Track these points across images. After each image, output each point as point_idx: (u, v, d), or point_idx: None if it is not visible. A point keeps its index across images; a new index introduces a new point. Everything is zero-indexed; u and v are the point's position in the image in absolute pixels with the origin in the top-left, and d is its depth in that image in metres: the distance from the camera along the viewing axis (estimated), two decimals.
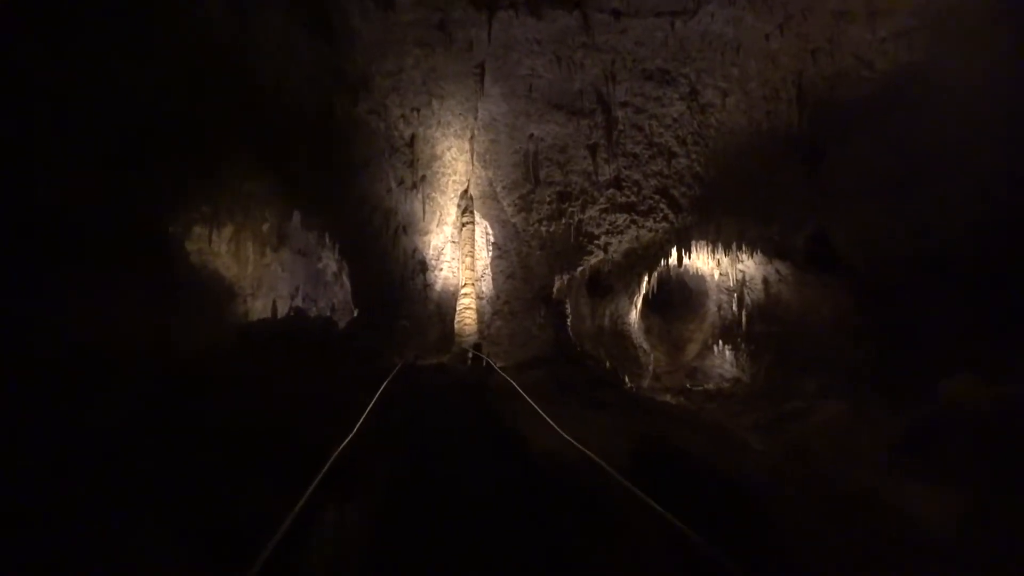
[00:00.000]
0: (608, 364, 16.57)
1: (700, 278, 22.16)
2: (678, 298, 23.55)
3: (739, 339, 20.15)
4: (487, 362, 13.72)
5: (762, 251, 19.09)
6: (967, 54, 15.18)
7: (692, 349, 21.50)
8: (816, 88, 16.90)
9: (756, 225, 18.48)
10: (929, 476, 9.53)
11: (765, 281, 20.38)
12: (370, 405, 7.57)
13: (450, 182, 18.94)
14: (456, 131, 17.78)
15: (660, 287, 21.32)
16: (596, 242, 17.26)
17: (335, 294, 30.28)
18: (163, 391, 7.46)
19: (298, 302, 29.86)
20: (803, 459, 11.17)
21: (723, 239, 18.63)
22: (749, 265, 20.26)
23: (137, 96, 17.51)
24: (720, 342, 20.43)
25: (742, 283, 20.99)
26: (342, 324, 26.98)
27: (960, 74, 15.16)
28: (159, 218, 16.99)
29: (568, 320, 17.42)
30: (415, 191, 19.10)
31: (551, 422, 7.41)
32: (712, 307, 21.83)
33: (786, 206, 18.23)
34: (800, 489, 9.04)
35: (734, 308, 20.98)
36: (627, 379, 16.26)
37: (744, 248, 18.69)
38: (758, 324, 20.53)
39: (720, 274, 21.23)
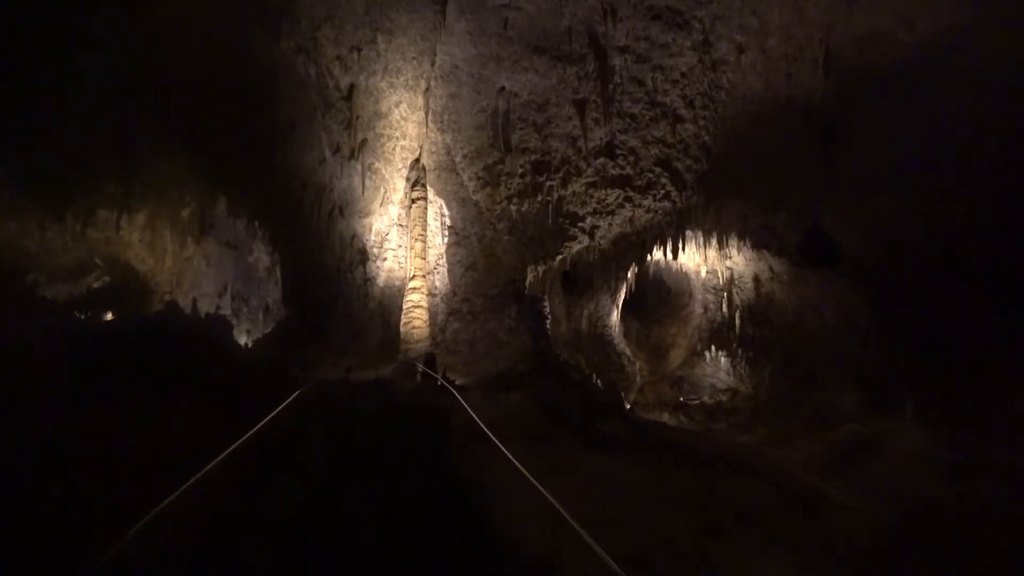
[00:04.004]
0: (595, 378, 11.87)
1: (683, 276, 18.01)
2: (654, 298, 19.30)
3: (734, 344, 15.98)
4: (443, 381, 8.75)
5: (762, 243, 15.13)
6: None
7: (676, 356, 17.22)
8: (844, 50, 13.04)
9: (762, 211, 14.37)
10: None
11: (756, 279, 16.51)
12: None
13: (397, 148, 13.91)
14: (407, 81, 12.80)
15: (636, 285, 17.05)
16: (580, 224, 12.64)
17: (269, 292, 24.67)
18: None
19: (224, 300, 24.25)
20: (940, 529, 6.84)
21: (721, 227, 14.36)
22: (738, 261, 16.34)
23: None
24: (712, 348, 16.21)
25: (731, 281, 16.91)
26: (260, 326, 21.59)
27: (1010, 42, 11.47)
28: None
29: (547, 322, 12.60)
30: (354, 161, 14.01)
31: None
32: (697, 308, 17.68)
33: (796, 192, 14.27)
34: None
35: (723, 309, 16.88)
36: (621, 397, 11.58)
37: (747, 238, 14.50)
38: (750, 327, 16.51)
39: (707, 271, 17.09)
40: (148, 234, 21.86)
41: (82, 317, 18.37)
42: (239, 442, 4.57)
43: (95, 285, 23.01)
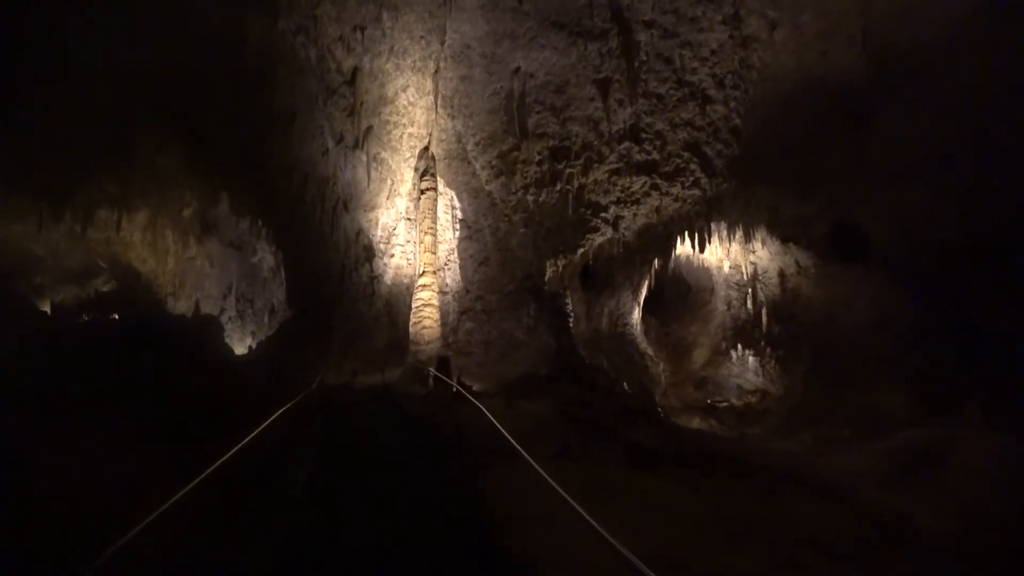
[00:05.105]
0: (618, 380, 10.62)
1: (703, 271, 16.76)
2: (672, 295, 18.05)
3: (761, 343, 14.72)
4: (458, 388, 7.54)
5: (790, 236, 13.96)
6: None
7: (699, 355, 15.97)
8: (883, 26, 11.77)
9: (794, 201, 13.17)
10: None
11: (781, 274, 15.28)
12: None
13: (405, 136, 12.75)
14: (415, 62, 11.64)
15: (654, 281, 15.84)
16: (603, 215, 11.47)
17: (274, 293, 23.53)
18: None
19: (228, 302, 23.16)
20: None
21: (749, 218, 13.14)
22: (763, 256, 15.12)
23: None
24: (739, 346, 14.94)
25: (755, 276, 15.67)
26: (265, 329, 20.49)
27: None
28: None
29: (570, 321, 11.35)
30: (358, 151, 12.87)
31: None
32: (719, 305, 16.44)
33: (828, 180, 13.09)
34: None
35: (748, 306, 15.62)
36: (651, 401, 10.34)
37: (776, 230, 13.30)
38: (777, 324, 15.27)
39: (730, 266, 15.84)
40: (149, 234, 20.86)
41: (86, 319, 17.34)
42: (205, 473, 3.41)
43: (104, 288, 22.08)
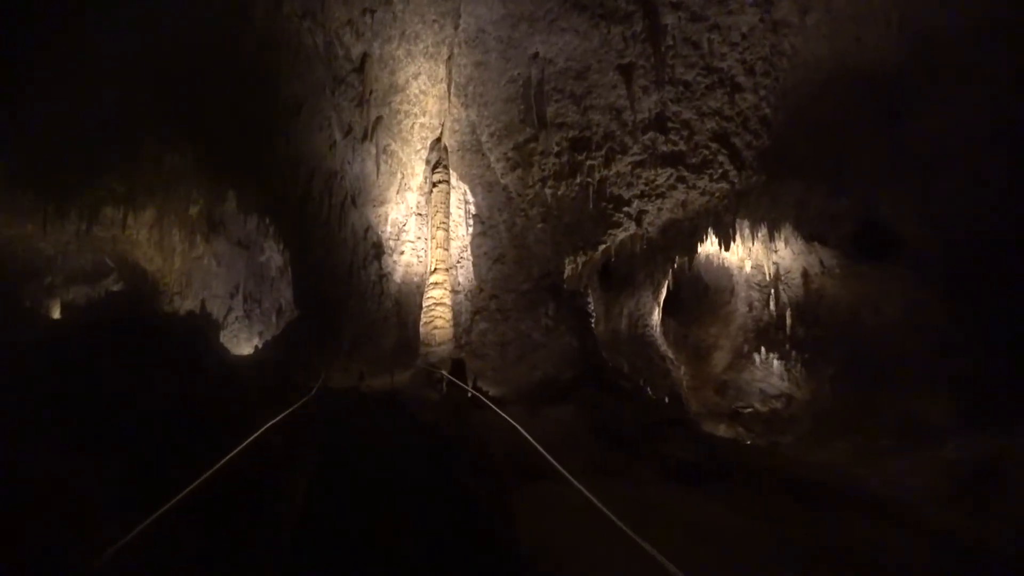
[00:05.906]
0: (644, 385, 9.81)
1: (723, 271, 15.94)
2: (690, 295, 17.21)
3: (786, 345, 13.86)
4: (473, 393, 6.75)
5: (817, 234, 13.16)
6: None
7: (720, 358, 15.13)
8: (920, 9, 10.84)
9: (825, 196, 12.33)
10: None
11: (804, 274, 14.43)
12: None
13: (416, 126, 11.99)
14: (427, 48, 10.87)
15: (671, 281, 15.04)
16: (626, 209, 10.66)
17: (282, 292, 22.79)
18: None
19: (236, 302, 22.45)
20: None
21: (776, 214, 12.32)
22: (785, 255, 14.28)
23: None
24: (762, 349, 14.09)
25: (777, 277, 14.84)
26: (272, 329, 19.80)
27: None
28: None
29: (592, 321, 10.54)
30: (367, 142, 12.12)
31: None
32: (740, 306, 15.61)
33: (861, 174, 12.22)
34: None
35: (771, 307, 14.77)
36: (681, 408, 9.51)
37: (803, 227, 12.49)
38: (801, 326, 14.43)
39: (752, 266, 15.00)
40: (156, 232, 20.19)
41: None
42: (177, 498, 2.64)
43: (114, 288, 21.53)
